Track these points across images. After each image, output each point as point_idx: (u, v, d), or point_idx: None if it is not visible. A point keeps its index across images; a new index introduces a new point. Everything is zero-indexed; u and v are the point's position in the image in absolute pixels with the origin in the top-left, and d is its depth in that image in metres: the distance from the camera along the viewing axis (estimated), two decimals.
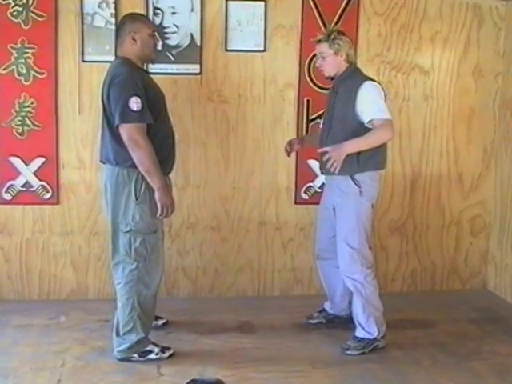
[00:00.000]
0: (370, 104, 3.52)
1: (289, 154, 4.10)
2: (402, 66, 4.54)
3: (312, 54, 4.26)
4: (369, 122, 3.50)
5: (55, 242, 4.41)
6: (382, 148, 3.61)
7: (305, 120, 4.45)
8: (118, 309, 3.53)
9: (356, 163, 3.56)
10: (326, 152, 3.54)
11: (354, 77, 3.65)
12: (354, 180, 3.60)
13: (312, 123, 4.41)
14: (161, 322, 4.02)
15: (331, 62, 3.65)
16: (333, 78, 3.72)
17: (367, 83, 3.58)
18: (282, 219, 4.61)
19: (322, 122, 3.96)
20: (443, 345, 3.86)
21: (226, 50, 4.33)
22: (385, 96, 3.63)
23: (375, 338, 3.69)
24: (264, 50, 4.37)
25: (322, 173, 3.87)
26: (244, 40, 4.33)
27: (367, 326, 3.69)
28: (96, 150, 4.05)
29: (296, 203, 4.58)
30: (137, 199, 3.36)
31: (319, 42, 3.65)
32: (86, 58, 4.22)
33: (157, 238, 3.50)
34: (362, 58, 4.42)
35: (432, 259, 4.85)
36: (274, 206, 4.59)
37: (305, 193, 4.56)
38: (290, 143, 4.06)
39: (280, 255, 4.66)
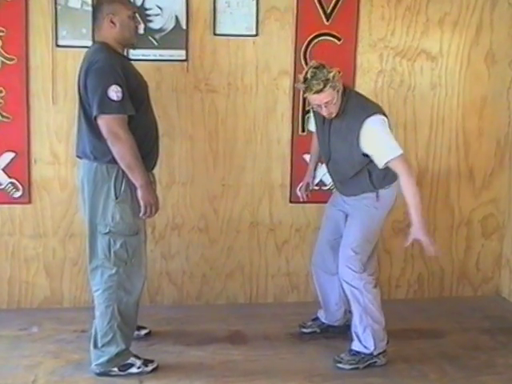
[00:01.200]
0: (378, 147, 3.49)
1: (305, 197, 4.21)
2: (407, 52, 4.56)
3: (309, 39, 4.32)
4: (384, 164, 3.48)
5: (26, 245, 4.41)
6: None
7: (301, 111, 4.47)
8: (96, 318, 3.53)
9: (371, 185, 3.63)
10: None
11: (349, 108, 3.54)
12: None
13: (308, 115, 4.41)
14: (143, 332, 4.03)
15: (337, 102, 3.52)
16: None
17: (368, 123, 3.47)
18: (276, 219, 4.63)
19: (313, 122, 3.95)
20: (452, 357, 3.89)
21: (215, 34, 4.34)
22: (388, 122, 3.57)
23: (371, 354, 3.70)
24: (256, 35, 4.38)
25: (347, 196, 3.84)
26: (234, 23, 4.34)
27: (363, 339, 3.70)
28: (71, 144, 4.05)
29: (291, 202, 4.60)
30: (117, 198, 3.36)
31: (320, 91, 3.43)
32: (61, 42, 4.21)
33: (139, 240, 3.51)
34: (363, 43, 4.45)
35: (440, 263, 4.88)
36: (267, 205, 4.61)
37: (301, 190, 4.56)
38: (304, 188, 4.20)
39: (274, 259, 4.68)
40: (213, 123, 4.45)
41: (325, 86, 3.40)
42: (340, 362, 3.71)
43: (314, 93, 3.44)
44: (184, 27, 4.29)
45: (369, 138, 3.48)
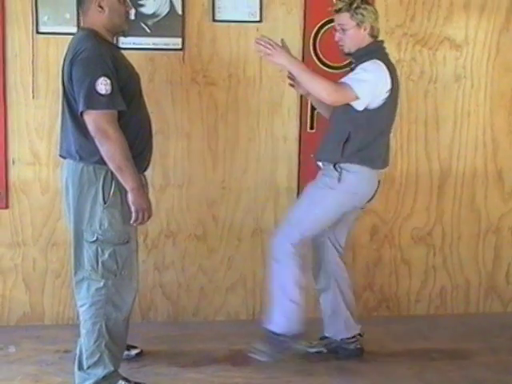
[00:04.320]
0: (355, 72, 3.68)
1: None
2: (428, 40, 4.57)
3: (319, 25, 4.33)
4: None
5: (3, 254, 4.42)
6: (374, 145, 3.75)
7: (310, 106, 4.46)
8: (81, 336, 3.52)
9: (340, 152, 3.72)
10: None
11: (371, 55, 3.73)
12: (335, 166, 3.74)
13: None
14: (134, 352, 4.03)
15: (353, 36, 3.75)
16: (351, 55, 3.84)
17: (372, 61, 3.69)
18: None
19: None
20: (480, 381, 3.87)
21: (214, 20, 4.35)
22: (392, 80, 3.71)
23: (281, 334, 3.81)
24: (260, 21, 4.40)
25: (318, 160, 3.96)
26: (236, 8, 4.36)
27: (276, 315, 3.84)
28: (54, 142, 4.07)
29: None
30: (105, 202, 3.36)
31: (339, 11, 3.73)
32: (42, 28, 4.23)
33: (130, 249, 3.51)
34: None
35: (465, 275, 4.88)
36: (272, 211, 4.61)
37: None
38: None
39: None
40: (212, 119, 4.46)
41: (341, 8, 3.72)
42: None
43: (333, 10, 3.78)
44: (180, 12, 4.31)
45: (359, 66, 3.69)
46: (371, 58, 3.69)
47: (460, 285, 4.88)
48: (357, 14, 3.69)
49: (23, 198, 4.37)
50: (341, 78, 3.81)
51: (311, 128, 4.49)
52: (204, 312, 4.65)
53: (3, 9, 4.18)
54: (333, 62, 4.35)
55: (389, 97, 3.70)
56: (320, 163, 3.90)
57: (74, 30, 4.02)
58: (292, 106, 4.50)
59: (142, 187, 3.43)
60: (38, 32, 4.23)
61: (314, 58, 4.44)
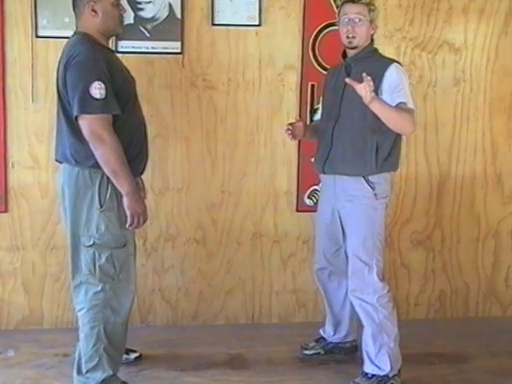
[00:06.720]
0: (399, 88, 3.53)
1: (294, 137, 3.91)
2: (427, 44, 4.54)
3: (318, 29, 4.32)
4: (398, 104, 3.50)
5: (2, 258, 4.40)
6: (398, 147, 3.69)
7: (309, 109, 4.46)
8: (79, 340, 3.51)
9: (374, 163, 3.60)
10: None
11: (374, 57, 3.67)
12: (368, 182, 3.62)
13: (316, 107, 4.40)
14: (133, 355, 4.02)
15: (365, 31, 3.63)
16: (345, 55, 3.73)
17: (395, 65, 3.60)
18: (282, 230, 4.61)
19: (320, 110, 4.04)
20: None
21: (213, 24, 4.33)
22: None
23: (387, 376, 3.66)
24: (259, 25, 4.37)
25: (324, 172, 3.83)
26: (235, 12, 4.33)
27: (377, 360, 3.67)
28: (53, 146, 4.01)
29: (298, 211, 4.59)
30: (101, 206, 3.34)
31: (358, 1, 3.60)
32: (41, 32, 4.21)
33: (127, 252, 3.49)
34: (378, 33, 4.33)
35: (464, 279, 4.86)
36: (271, 215, 4.59)
37: (309, 198, 4.56)
38: (293, 126, 3.89)
39: (279, 274, 4.66)
40: (211, 123, 4.44)
41: None
42: None
43: (351, 1, 3.62)
44: (179, 16, 4.29)
45: (393, 78, 3.55)
46: (377, 60, 3.63)
47: (459, 289, 4.86)
48: (373, 11, 3.62)
49: (22, 202, 4.35)
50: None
51: None
52: (203, 316, 4.63)
53: (2, 13, 4.16)
54: (332, 66, 4.30)
55: None
56: (336, 176, 3.74)
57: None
58: (291, 109, 4.47)
59: (138, 191, 3.42)
60: (37, 36, 4.21)
61: (313, 61, 4.42)
